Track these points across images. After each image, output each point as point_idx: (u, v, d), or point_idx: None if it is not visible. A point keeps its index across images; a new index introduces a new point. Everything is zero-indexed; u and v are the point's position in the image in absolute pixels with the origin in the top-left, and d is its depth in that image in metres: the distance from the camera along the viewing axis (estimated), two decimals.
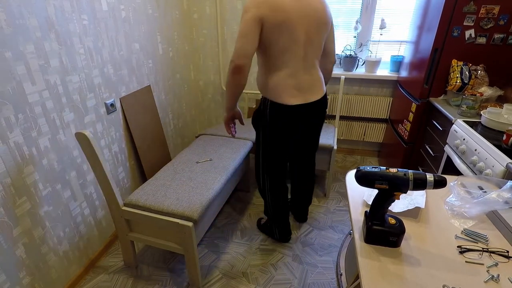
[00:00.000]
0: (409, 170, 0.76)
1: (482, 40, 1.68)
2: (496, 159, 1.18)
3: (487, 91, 1.63)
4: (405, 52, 2.26)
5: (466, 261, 0.76)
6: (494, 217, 0.90)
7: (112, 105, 1.67)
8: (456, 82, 1.67)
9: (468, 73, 1.66)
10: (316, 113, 1.50)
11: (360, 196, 1.02)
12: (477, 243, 0.82)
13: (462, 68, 1.68)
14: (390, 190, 0.77)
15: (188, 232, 1.34)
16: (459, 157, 1.47)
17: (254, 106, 2.77)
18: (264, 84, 1.41)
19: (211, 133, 2.19)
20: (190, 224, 1.33)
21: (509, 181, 0.94)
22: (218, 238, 1.84)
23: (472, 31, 1.67)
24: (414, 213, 0.94)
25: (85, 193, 1.56)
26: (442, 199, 1.01)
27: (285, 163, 1.62)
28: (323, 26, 1.34)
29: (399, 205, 0.97)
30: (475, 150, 1.33)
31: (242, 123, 1.56)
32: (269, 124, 1.45)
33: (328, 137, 2.12)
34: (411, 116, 1.96)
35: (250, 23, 1.22)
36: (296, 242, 1.81)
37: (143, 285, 1.54)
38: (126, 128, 1.82)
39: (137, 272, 1.62)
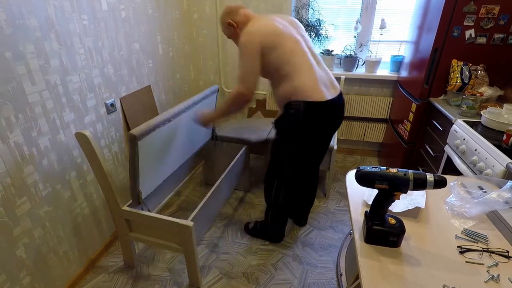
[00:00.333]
0: (409, 170, 0.76)
1: (482, 40, 1.68)
2: (496, 159, 1.18)
3: (487, 91, 1.63)
4: (405, 52, 2.26)
5: (466, 261, 0.76)
6: (494, 217, 0.90)
7: (112, 105, 1.67)
8: (456, 82, 1.67)
9: (468, 73, 1.66)
10: (342, 110, 1.50)
11: (360, 196, 1.02)
12: (477, 243, 0.82)
13: (462, 68, 1.68)
14: (390, 190, 0.77)
15: (188, 232, 1.34)
16: (459, 157, 1.47)
17: (254, 106, 2.78)
18: (288, 93, 1.38)
19: None
20: (190, 224, 1.33)
21: (509, 181, 0.94)
22: (218, 238, 1.84)
23: (472, 31, 1.67)
24: (414, 213, 0.94)
25: (85, 193, 1.56)
26: (442, 199, 1.01)
27: (310, 170, 1.60)
28: (304, 33, 1.49)
29: (399, 205, 0.97)
30: (475, 150, 1.33)
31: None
32: (304, 127, 1.40)
33: None
34: (411, 116, 1.96)
35: (253, 58, 1.33)
36: (296, 242, 1.81)
37: (143, 285, 1.54)
38: (126, 128, 1.82)
39: (137, 272, 1.62)
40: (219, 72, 2.73)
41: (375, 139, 2.65)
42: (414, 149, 2.03)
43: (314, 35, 2.42)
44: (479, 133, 1.37)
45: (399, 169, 0.77)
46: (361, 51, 2.53)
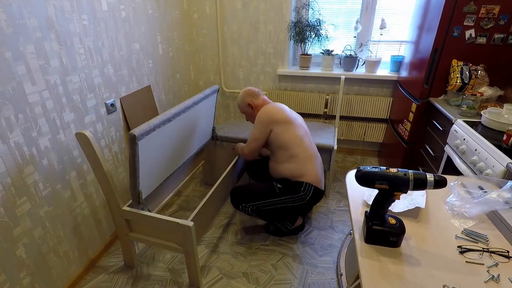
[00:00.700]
0: (409, 170, 0.76)
1: (482, 40, 1.68)
2: (496, 159, 1.18)
3: (487, 91, 1.63)
4: (405, 52, 2.26)
5: (466, 261, 0.76)
6: (494, 217, 0.90)
7: (112, 105, 1.67)
8: (456, 82, 1.67)
9: (468, 73, 1.66)
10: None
11: (360, 196, 1.02)
12: (477, 243, 0.82)
13: (462, 68, 1.68)
14: (390, 190, 0.77)
15: (188, 232, 1.34)
16: (459, 157, 1.47)
17: None
18: (294, 172, 1.63)
19: None
20: (190, 224, 1.33)
21: (509, 181, 0.94)
22: (218, 238, 1.84)
23: (472, 31, 1.67)
24: (414, 213, 0.94)
25: (85, 193, 1.56)
26: (442, 199, 1.01)
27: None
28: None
29: (399, 205, 0.97)
30: (475, 150, 1.33)
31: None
32: (302, 204, 1.64)
33: (328, 137, 2.12)
34: (411, 116, 1.96)
35: (262, 133, 1.65)
36: (296, 242, 1.81)
37: (143, 285, 1.54)
38: (126, 128, 1.82)
39: (137, 272, 1.62)
40: (219, 72, 2.73)
41: (375, 139, 2.65)
42: (414, 149, 2.03)
43: (314, 35, 2.42)
44: (479, 133, 1.37)
45: (399, 169, 0.77)
46: (361, 51, 2.53)
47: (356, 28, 2.30)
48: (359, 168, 0.81)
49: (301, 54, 2.53)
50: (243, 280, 1.57)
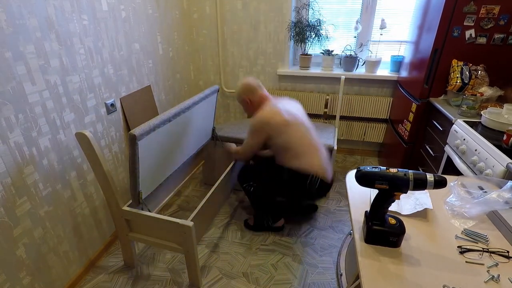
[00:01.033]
0: (409, 170, 0.76)
1: (482, 40, 1.68)
2: (496, 159, 1.18)
3: (487, 91, 1.63)
4: (405, 52, 2.26)
5: (466, 261, 0.76)
6: (494, 217, 0.90)
7: (112, 105, 1.67)
8: (456, 82, 1.67)
9: (468, 73, 1.66)
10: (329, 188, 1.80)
11: (360, 196, 1.02)
12: (477, 243, 0.82)
13: (462, 68, 1.68)
14: (390, 190, 0.77)
15: (188, 232, 1.34)
16: (459, 157, 1.47)
17: None
18: (298, 167, 1.61)
19: None
20: (190, 224, 1.33)
21: (509, 181, 0.94)
22: (218, 238, 1.84)
23: (472, 31, 1.67)
24: (423, 214, 0.94)
25: (85, 193, 1.56)
26: (443, 199, 1.01)
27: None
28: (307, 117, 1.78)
29: (406, 206, 0.97)
30: (475, 150, 1.33)
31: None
32: (309, 193, 1.67)
33: (328, 137, 2.12)
34: (411, 116, 1.96)
35: (257, 139, 1.63)
36: (296, 242, 1.81)
37: (143, 285, 1.54)
38: (126, 128, 1.82)
39: (137, 272, 1.62)
40: (219, 72, 2.73)
41: (375, 139, 2.65)
42: (414, 149, 2.02)
43: (314, 35, 2.41)
44: (479, 133, 1.37)
45: (399, 169, 0.77)
46: (361, 51, 2.53)
47: (356, 28, 2.30)
48: (359, 168, 0.81)
49: (301, 54, 2.53)
50: (243, 280, 1.57)
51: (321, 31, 2.41)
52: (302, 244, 1.80)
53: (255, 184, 1.69)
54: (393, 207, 0.95)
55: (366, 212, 0.86)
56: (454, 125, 1.55)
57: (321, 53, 2.50)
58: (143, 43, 1.93)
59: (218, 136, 2.15)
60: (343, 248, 1.73)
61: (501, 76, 1.71)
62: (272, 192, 1.69)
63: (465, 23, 1.65)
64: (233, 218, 2.02)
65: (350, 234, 1.84)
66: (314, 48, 2.60)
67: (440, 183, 0.73)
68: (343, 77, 2.34)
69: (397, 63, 2.38)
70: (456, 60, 1.72)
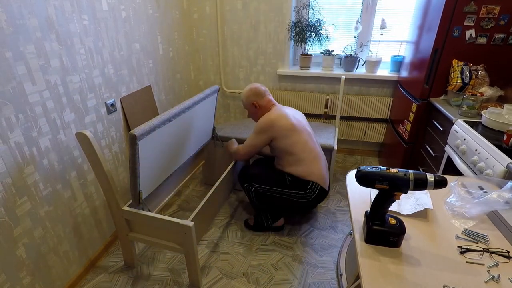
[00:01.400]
0: (409, 170, 0.76)
1: (482, 40, 1.68)
2: (497, 159, 1.18)
3: (487, 91, 1.63)
4: (406, 52, 2.25)
5: (466, 261, 0.76)
6: (494, 217, 0.90)
7: (112, 105, 1.68)
8: (457, 82, 1.67)
9: (469, 73, 1.66)
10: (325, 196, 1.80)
11: (360, 196, 1.02)
12: (478, 243, 0.82)
13: (462, 68, 1.68)
14: (390, 190, 0.77)
15: (188, 232, 1.34)
16: (460, 157, 1.47)
17: None
18: (300, 173, 1.64)
19: None
20: (190, 224, 1.33)
21: (510, 181, 0.94)
22: (218, 238, 1.84)
23: (472, 31, 1.66)
24: (423, 214, 0.94)
25: (85, 193, 1.56)
26: (443, 199, 1.01)
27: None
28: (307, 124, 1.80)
29: (406, 206, 0.97)
30: (476, 150, 1.33)
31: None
32: (305, 202, 1.68)
33: (329, 137, 2.12)
34: (411, 116, 1.96)
35: (260, 141, 1.65)
36: (296, 242, 1.81)
37: (143, 285, 1.54)
38: (126, 128, 1.82)
39: (137, 272, 1.62)
40: (219, 72, 2.73)
41: (375, 139, 2.65)
42: (415, 149, 2.02)
43: (314, 35, 2.41)
44: (479, 133, 1.37)
45: (399, 169, 0.77)
46: (361, 51, 2.53)
47: (356, 28, 2.30)
48: (359, 168, 0.81)
49: (301, 54, 2.53)
50: (243, 280, 1.57)
51: (321, 31, 2.41)
52: (302, 244, 1.80)
53: (256, 185, 1.69)
54: (393, 207, 0.95)
55: (366, 212, 0.86)
56: (454, 125, 1.55)
57: (321, 53, 2.50)
58: (143, 43, 1.93)
59: (218, 136, 2.15)
60: (343, 248, 1.73)
61: (502, 76, 1.71)
62: (272, 194, 1.69)
63: (465, 23, 1.65)
64: (233, 218, 2.02)
65: (350, 234, 1.84)
66: (314, 48, 2.60)
67: (440, 183, 0.73)
68: (343, 77, 2.34)
69: (397, 63, 2.38)
70: (456, 60, 1.72)
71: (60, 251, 1.43)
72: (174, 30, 2.31)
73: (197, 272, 1.48)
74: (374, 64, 2.39)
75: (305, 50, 2.53)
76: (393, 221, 0.82)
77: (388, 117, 2.53)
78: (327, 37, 2.46)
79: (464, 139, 1.43)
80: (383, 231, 0.80)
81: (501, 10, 1.60)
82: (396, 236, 0.80)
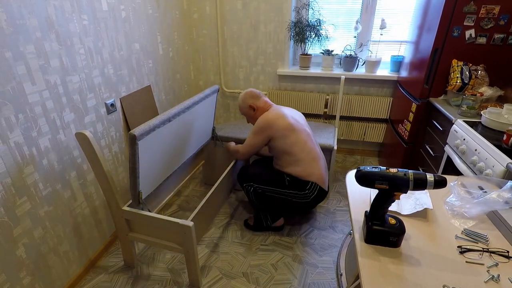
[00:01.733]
0: (409, 170, 0.76)
1: (482, 40, 1.68)
2: (496, 159, 1.18)
3: (487, 91, 1.63)
4: (405, 52, 2.26)
5: (466, 261, 0.76)
6: (494, 217, 0.90)
7: (112, 105, 1.67)
8: (456, 82, 1.67)
9: (468, 73, 1.66)
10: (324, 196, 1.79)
11: (360, 196, 1.02)
12: (478, 243, 0.82)
13: (462, 68, 1.68)
14: (390, 190, 0.77)
15: (188, 232, 1.34)
16: (459, 157, 1.47)
17: None
18: (299, 174, 1.63)
19: None
20: (190, 224, 1.33)
21: (509, 181, 0.94)
22: (218, 238, 1.84)
23: (472, 31, 1.67)
24: (423, 213, 0.94)
25: (85, 193, 1.56)
26: (442, 199, 1.01)
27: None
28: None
29: (406, 206, 0.97)
30: (475, 150, 1.33)
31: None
32: (305, 202, 1.68)
33: (328, 137, 2.12)
34: (411, 116, 1.96)
35: (259, 140, 1.65)
36: (296, 242, 1.81)
37: (143, 285, 1.54)
38: (126, 128, 1.82)
39: (137, 272, 1.62)
40: (219, 72, 2.73)
41: (375, 139, 2.65)
42: (414, 149, 2.03)
43: (314, 35, 2.41)
44: (479, 133, 1.37)
45: (399, 169, 0.77)
46: (361, 51, 2.53)
47: (356, 28, 2.30)
48: (359, 168, 0.81)
49: (301, 54, 2.53)
50: (243, 280, 1.57)
51: (321, 31, 2.41)
52: (302, 244, 1.80)
53: (255, 184, 1.69)
54: (393, 207, 0.95)
55: (366, 212, 0.86)
56: (454, 125, 1.55)
57: (321, 53, 2.50)
58: (143, 43, 1.93)
59: (218, 136, 2.15)
60: (343, 248, 1.73)
61: (501, 76, 1.71)
62: (271, 194, 1.69)
63: (465, 23, 1.65)
64: (233, 218, 2.02)
65: (350, 234, 1.84)
66: (314, 48, 2.60)
67: (440, 183, 0.73)
68: (343, 77, 2.34)
69: (397, 63, 2.38)
70: (456, 60, 1.72)
71: (60, 251, 1.43)
72: (174, 30, 2.31)
73: (197, 272, 1.48)
74: (374, 64, 2.39)
75: (305, 50, 2.53)
76: (393, 221, 0.82)
77: (388, 117, 2.53)
78: (326, 37, 2.46)
79: (464, 139, 1.43)
80: (383, 231, 0.80)
81: (500, 10, 1.60)
82: (396, 236, 0.80)
